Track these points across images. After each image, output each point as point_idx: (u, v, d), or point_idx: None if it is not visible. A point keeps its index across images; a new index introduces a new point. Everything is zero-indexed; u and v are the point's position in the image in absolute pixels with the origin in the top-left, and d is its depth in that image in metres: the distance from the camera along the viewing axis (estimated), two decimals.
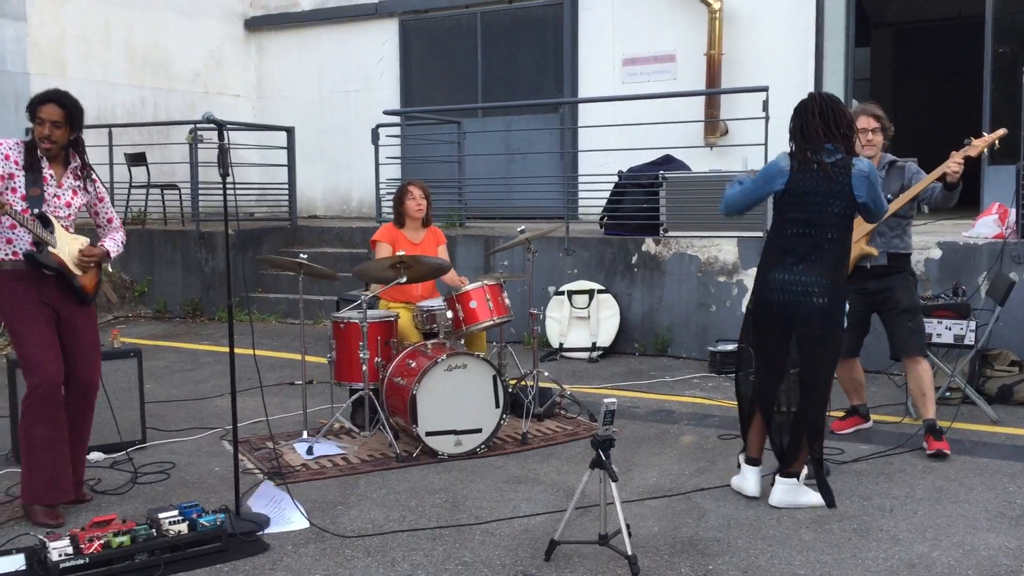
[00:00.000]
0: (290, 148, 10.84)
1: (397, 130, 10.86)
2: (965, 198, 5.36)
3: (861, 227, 4.98)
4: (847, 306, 4.28)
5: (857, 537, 3.93)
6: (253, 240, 10.28)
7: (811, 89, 9.49)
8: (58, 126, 4.12)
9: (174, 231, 10.37)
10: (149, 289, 10.24)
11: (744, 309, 6.21)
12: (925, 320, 5.50)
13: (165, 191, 10.78)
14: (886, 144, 5.16)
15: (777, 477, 4.29)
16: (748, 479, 4.39)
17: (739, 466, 4.53)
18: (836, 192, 4.08)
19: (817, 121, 4.10)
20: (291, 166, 10.87)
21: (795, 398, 4.31)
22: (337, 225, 10.98)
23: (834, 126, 4.10)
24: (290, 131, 10.87)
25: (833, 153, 4.11)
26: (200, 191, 9.94)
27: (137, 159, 10.62)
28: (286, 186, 10.92)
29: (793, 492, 4.26)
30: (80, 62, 11.43)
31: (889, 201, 4.90)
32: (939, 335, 5.57)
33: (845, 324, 4.28)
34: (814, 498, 4.26)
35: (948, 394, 5.88)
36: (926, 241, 6.87)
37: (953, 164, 4.78)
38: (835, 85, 9.84)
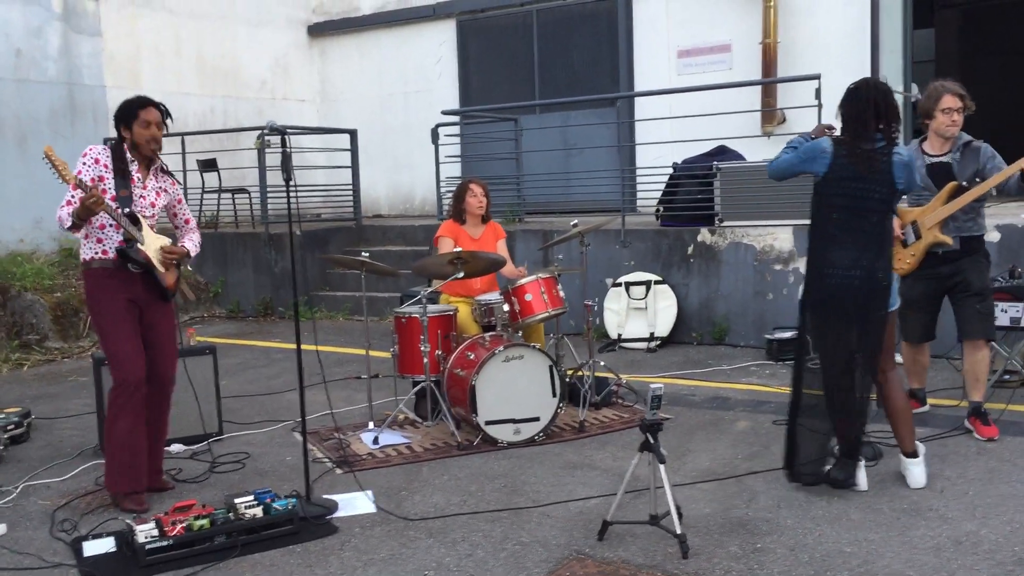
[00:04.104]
0: (353, 150, 11.15)
1: (456, 129, 11.08)
2: None
3: (934, 214, 4.95)
4: (897, 285, 4.34)
5: (906, 516, 4.01)
6: (319, 240, 10.62)
7: (868, 73, 9.45)
8: (159, 128, 4.42)
9: (245, 233, 10.77)
10: (223, 290, 10.66)
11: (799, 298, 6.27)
12: None
13: (236, 195, 11.19)
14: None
15: (905, 459, 4.36)
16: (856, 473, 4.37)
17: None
18: (878, 179, 4.15)
19: (871, 113, 4.14)
20: (355, 167, 11.17)
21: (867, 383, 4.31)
22: (400, 224, 11.26)
23: (884, 120, 4.15)
24: (353, 133, 11.17)
25: (877, 141, 4.17)
26: (268, 195, 10.31)
27: (209, 165, 11.04)
28: (350, 187, 11.24)
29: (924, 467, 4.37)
30: (154, 74, 11.92)
31: (964, 189, 4.86)
32: (995, 318, 5.55)
33: (896, 304, 4.34)
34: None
35: (1007, 376, 5.86)
36: (994, 224, 6.82)
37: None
38: (893, 68, 9.75)
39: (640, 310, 8.05)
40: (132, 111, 4.41)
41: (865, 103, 4.15)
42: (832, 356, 4.29)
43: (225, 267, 10.67)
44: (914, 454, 4.35)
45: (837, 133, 4.33)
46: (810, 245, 4.37)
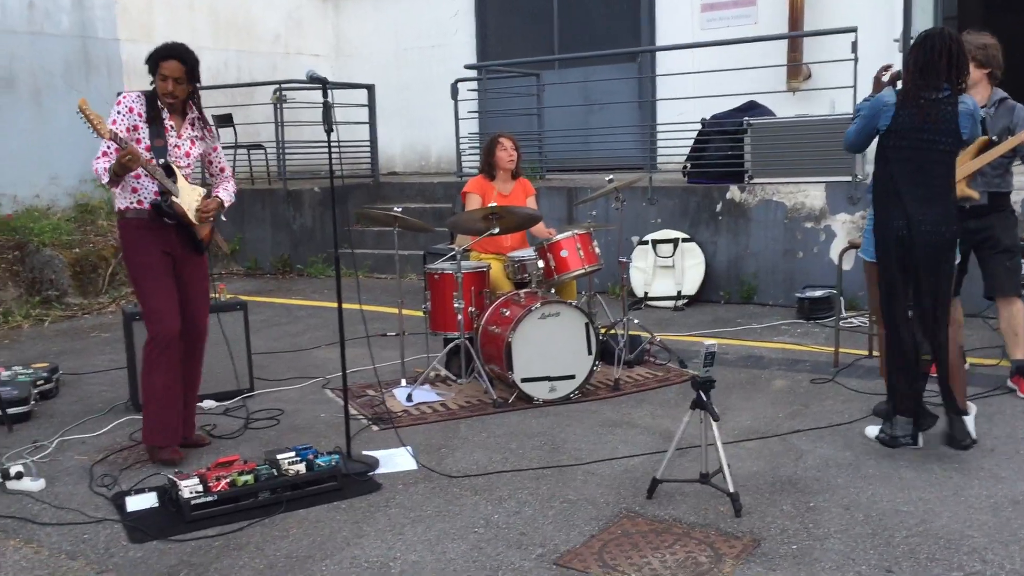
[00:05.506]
0: (371, 105, 10.99)
1: (475, 84, 10.90)
2: None
3: (963, 167, 4.86)
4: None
5: (958, 476, 3.95)
6: (337, 197, 10.46)
7: (899, 29, 9.25)
8: (179, 82, 4.29)
9: (262, 190, 10.66)
10: (240, 247, 10.57)
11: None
12: None
13: (251, 151, 11.05)
14: (998, 78, 4.98)
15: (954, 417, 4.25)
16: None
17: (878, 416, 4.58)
18: (943, 129, 4.03)
19: (943, 62, 4.01)
20: (372, 123, 11.02)
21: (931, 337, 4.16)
22: (418, 181, 11.14)
23: (955, 70, 4.03)
24: (371, 88, 11.01)
25: (943, 91, 4.05)
26: (285, 150, 10.16)
27: (224, 120, 10.88)
28: (367, 143, 11.09)
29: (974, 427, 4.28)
30: (167, 27, 11.70)
31: (994, 143, 4.76)
32: None
33: (958, 259, 4.24)
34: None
35: None
36: (1022, 182, 6.70)
37: None
38: (924, 24, 9.54)
39: (667, 268, 7.95)
40: (154, 61, 4.30)
41: (939, 52, 4.01)
42: (895, 313, 4.18)
43: (242, 224, 10.57)
44: (964, 412, 4.27)
45: (896, 69, 4.20)
46: (875, 201, 4.22)
